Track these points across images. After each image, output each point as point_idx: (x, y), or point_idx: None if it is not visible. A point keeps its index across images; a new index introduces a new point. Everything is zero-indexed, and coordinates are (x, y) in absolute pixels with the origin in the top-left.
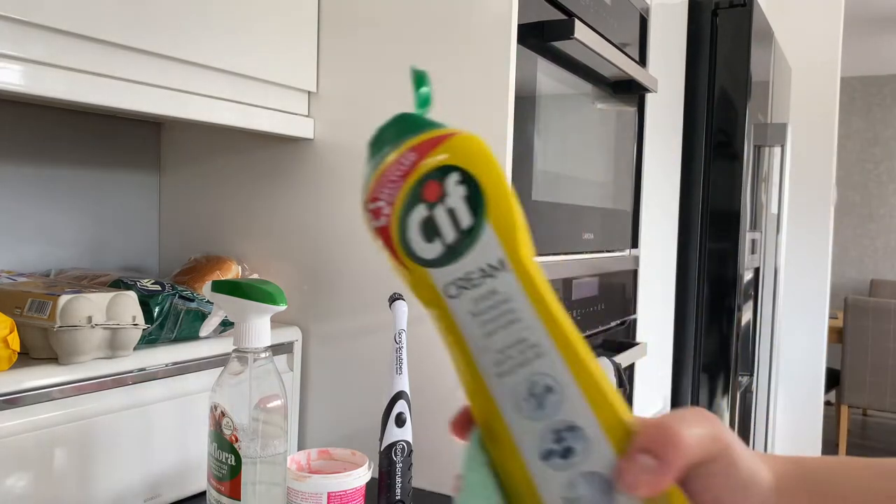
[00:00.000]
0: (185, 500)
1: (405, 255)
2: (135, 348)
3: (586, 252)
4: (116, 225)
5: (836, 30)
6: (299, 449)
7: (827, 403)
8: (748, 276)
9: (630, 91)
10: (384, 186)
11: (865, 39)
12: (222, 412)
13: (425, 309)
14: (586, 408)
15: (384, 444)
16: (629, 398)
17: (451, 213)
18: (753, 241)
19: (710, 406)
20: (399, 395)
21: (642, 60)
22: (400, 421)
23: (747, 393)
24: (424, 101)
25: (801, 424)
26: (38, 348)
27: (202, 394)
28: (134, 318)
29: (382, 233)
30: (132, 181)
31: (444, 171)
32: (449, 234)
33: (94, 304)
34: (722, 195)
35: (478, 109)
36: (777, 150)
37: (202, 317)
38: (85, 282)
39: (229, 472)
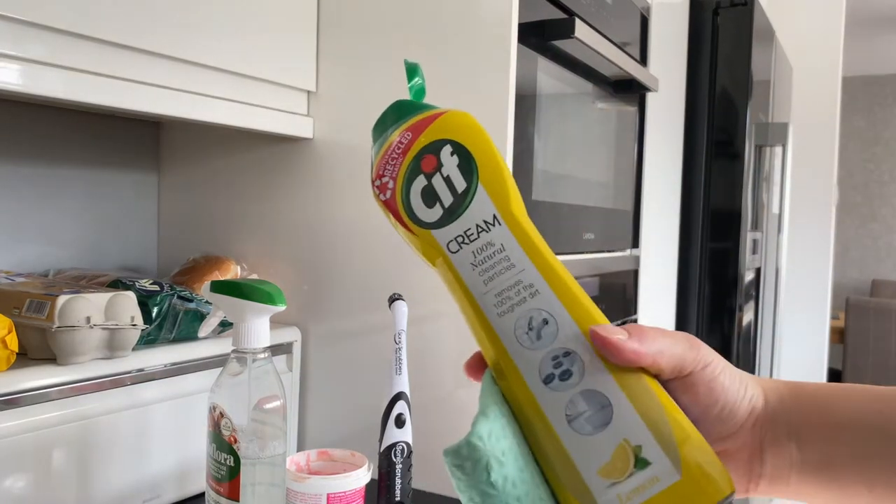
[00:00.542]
0: (184, 501)
1: (410, 221)
2: (133, 349)
3: (587, 252)
4: (115, 225)
5: (838, 29)
6: (298, 450)
7: None
8: (749, 276)
9: (631, 90)
10: (387, 164)
11: (867, 39)
12: (221, 413)
13: (433, 268)
14: (578, 335)
15: (384, 445)
16: None
17: (448, 180)
18: (755, 241)
19: None
20: (399, 396)
21: (643, 60)
22: (400, 422)
23: None
24: (418, 92)
25: None
26: (37, 349)
27: (201, 394)
28: (132, 318)
29: (389, 205)
30: (131, 181)
31: (437, 144)
32: (447, 198)
33: (92, 305)
34: (723, 195)
35: (478, 109)
36: (778, 149)
37: (201, 317)
38: (83, 282)
39: (228, 473)
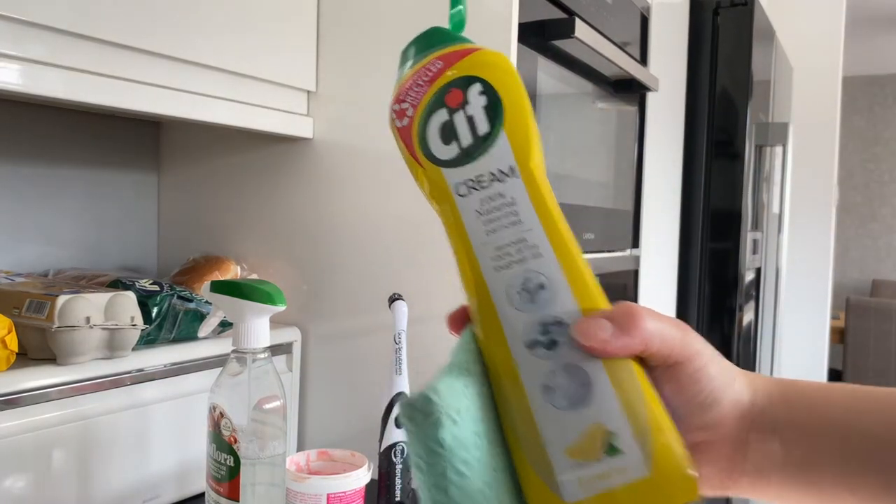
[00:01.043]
0: (184, 501)
1: (422, 153)
2: (133, 349)
3: (587, 252)
4: (115, 225)
5: (838, 29)
6: (298, 450)
7: None
8: (749, 276)
9: (631, 90)
10: (410, 90)
11: (867, 39)
12: (221, 413)
13: (432, 205)
14: (575, 309)
15: (384, 445)
16: None
17: (470, 120)
18: (755, 241)
19: None
20: (399, 396)
21: (643, 59)
22: (399, 422)
23: None
24: (458, 23)
25: None
26: (37, 349)
27: (201, 394)
28: (132, 318)
29: (403, 134)
30: (131, 181)
31: (467, 80)
32: (466, 138)
33: (92, 305)
34: (723, 195)
35: None
36: (778, 149)
37: (201, 317)
38: (83, 282)
39: (228, 473)
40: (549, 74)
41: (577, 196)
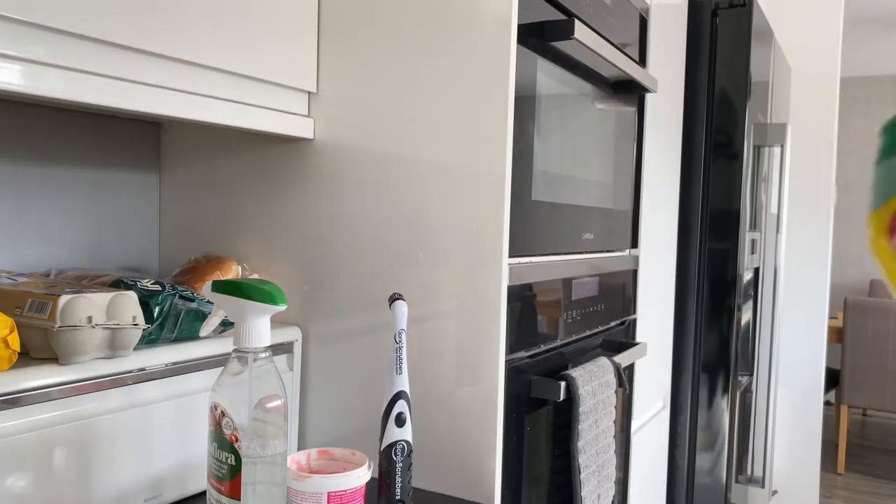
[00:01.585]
0: (185, 500)
1: None
2: (135, 348)
3: (586, 252)
4: (116, 225)
5: (836, 30)
6: (299, 449)
7: (827, 403)
8: (748, 276)
9: (630, 91)
10: None
11: (865, 39)
12: (222, 412)
13: None
14: None
15: (384, 444)
16: (629, 398)
17: None
18: (753, 241)
19: (710, 406)
20: (399, 395)
21: (642, 60)
22: (400, 421)
23: (747, 393)
24: None
25: (801, 424)
26: (38, 348)
27: (202, 394)
28: (134, 318)
29: None
30: (132, 181)
31: None
32: None
33: (94, 304)
34: (722, 195)
35: (478, 109)
36: (777, 149)
37: (202, 317)
38: (85, 282)
39: (229, 472)
40: (549, 75)
41: (577, 196)
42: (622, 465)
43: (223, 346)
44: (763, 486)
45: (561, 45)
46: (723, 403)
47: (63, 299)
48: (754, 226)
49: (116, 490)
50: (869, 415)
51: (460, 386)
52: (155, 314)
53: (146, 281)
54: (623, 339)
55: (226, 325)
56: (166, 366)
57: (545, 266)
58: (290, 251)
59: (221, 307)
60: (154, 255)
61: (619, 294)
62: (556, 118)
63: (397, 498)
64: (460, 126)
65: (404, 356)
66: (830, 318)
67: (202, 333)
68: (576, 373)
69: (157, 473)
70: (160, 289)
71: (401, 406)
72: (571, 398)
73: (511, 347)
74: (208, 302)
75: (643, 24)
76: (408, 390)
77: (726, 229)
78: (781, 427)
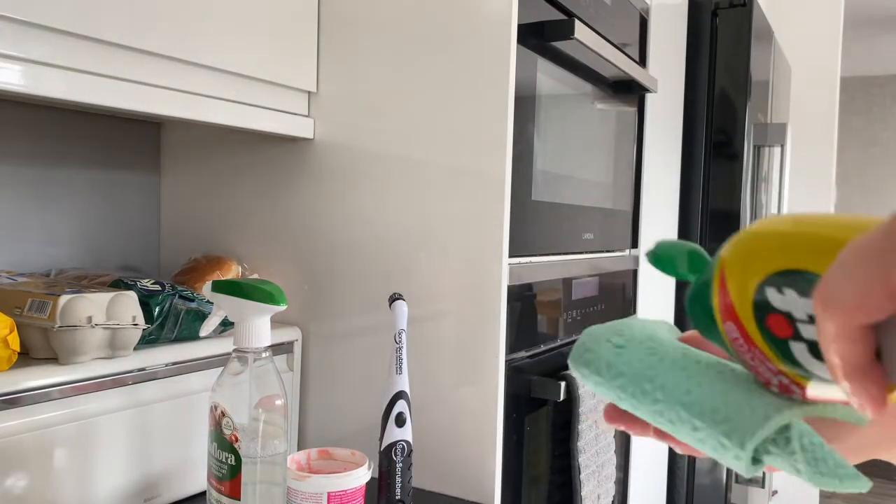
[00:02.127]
0: (185, 500)
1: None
2: (135, 348)
3: (586, 252)
4: (116, 225)
5: (836, 30)
6: (299, 449)
7: None
8: None
9: (630, 91)
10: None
11: (865, 39)
12: (222, 412)
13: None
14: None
15: (384, 444)
16: None
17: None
18: None
19: None
20: (399, 395)
21: (642, 60)
22: (400, 421)
23: None
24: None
25: None
26: (38, 348)
27: (202, 394)
28: (134, 318)
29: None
30: (132, 181)
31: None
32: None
33: (94, 304)
34: (722, 195)
35: (478, 109)
36: (777, 149)
37: (202, 317)
38: (85, 282)
39: (229, 472)
40: (549, 75)
41: (577, 196)
42: (622, 465)
43: (223, 346)
44: (763, 487)
45: (561, 45)
46: None
47: (63, 299)
48: None
49: (116, 490)
50: None
51: (460, 386)
52: (155, 314)
53: (146, 281)
54: None
55: (226, 325)
56: (166, 366)
57: (545, 266)
58: (290, 251)
59: (221, 307)
60: (154, 255)
61: (619, 294)
62: (557, 118)
63: (397, 498)
64: (460, 126)
65: (404, 356)
66: None
67: (202, 333)
68: None
69: (157, 473)
70: (160, 289)
71: (401, 406)
72: (571, 398)
73: (511, 347)
74: (208, 302)
75: (643, 24)
76: (408, 390)
77: (726, 229)
78: None
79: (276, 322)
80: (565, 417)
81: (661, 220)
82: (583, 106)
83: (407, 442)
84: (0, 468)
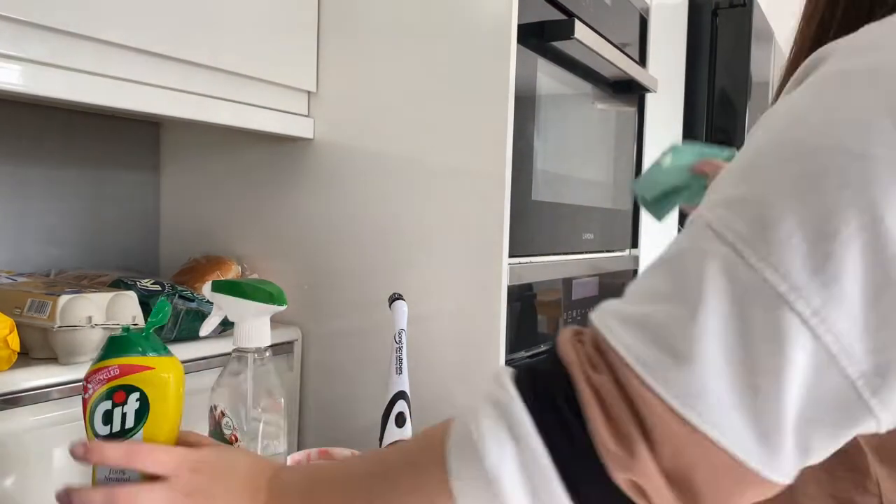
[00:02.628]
0: None
1: (89, 425)
2: None
3: (586, 252)
4: (116, 225)
5: None
6: (299, 449)
7: None
8: None
9: (630, 91)
10: (94, 378)
11: None
12: (222, 412)
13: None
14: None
15: (384, 444)
16: None
17: (124, 416)
18: None
19: None
20: (399, 395)
21: (642, 60)
22: (400, 421)
23: None
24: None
25: None
26: (38, 348)
27: (202, 394)
28: (134, 318)
29: (84, 402)
30: (132, 181)
31: (129, 388)
32: (116, 425)
33: (93, 304)
34: None
35: (478, 109)
36: None
37: (202, 317)
38: (85, 282)
39: None
40: (549, 75)
41: (577, 196)
42: None
43: (223, 346)
44: None
45: (561, 45)
46: None
47: (63, 299)
48: None
49: None
50: None
51: (460, 386)
52: None
53: (146, 281)
54: None
55: (226, 325)
56: None
57: (545, 266)
58: (289, 251)
59: (221, 307)
60: (154, 255)
61: (619, 294)
62: (557, 118)
63: None
64: (460, 126)
65: (404, 356)
66: None
67: (202, 333)
68: None
69: None
70: (160, 289)
71: (401, 406)
72: None
73: (511, 347)
74: (208, 302)
75: (643, 24)
76: (408, 390)
77: None
78: None
79: (276, 322)
80: None
81: None
82: (583, 106)
83: None
84: (0, 468)
